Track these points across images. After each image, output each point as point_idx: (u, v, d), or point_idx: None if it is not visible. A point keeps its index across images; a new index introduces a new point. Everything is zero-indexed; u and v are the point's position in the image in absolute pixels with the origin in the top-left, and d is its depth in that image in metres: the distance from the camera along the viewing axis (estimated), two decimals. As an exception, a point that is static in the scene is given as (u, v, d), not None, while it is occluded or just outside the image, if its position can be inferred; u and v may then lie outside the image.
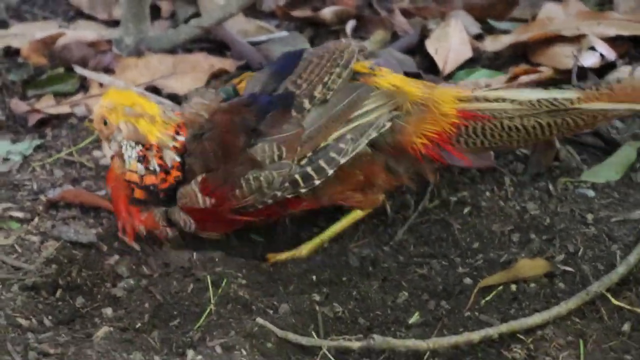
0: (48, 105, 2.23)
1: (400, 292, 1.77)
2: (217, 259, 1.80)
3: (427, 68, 2.34)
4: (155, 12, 2.55)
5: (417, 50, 2.42)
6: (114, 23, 2.57)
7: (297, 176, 1.71)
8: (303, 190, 1.73)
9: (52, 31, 2.47)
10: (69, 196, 1.95)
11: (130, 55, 2.36)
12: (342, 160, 1.73)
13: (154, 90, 2.24)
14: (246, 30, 2.48)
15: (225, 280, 1.74)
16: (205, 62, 2.28)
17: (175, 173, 1.77)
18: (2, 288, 1.74)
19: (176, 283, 1.76)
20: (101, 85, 2.24)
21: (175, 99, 2.20)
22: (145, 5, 2.36)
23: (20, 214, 1.94)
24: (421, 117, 1.81)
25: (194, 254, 1.81)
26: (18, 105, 2.26)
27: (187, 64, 2.28)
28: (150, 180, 1.77)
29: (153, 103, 1.80)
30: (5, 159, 2.11)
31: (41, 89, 2.32)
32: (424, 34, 2.43)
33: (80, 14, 2.66)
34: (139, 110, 1.77)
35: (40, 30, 2.50)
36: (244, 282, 1.76)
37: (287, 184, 1.72)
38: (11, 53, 2.46)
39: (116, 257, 1.81)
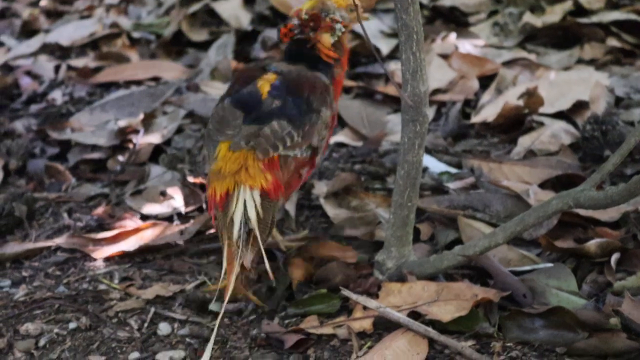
0: (312, 326, 2.24)
1: None
2: None
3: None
4: (415, 234, 2.55)
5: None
6: (373, 244, 2.60)
7: None
8: None
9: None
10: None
11: (391, 278, 2.37)
12: None
13: (416, 315, 2.22)
14: (509, 258, 2.45)
15: None
16: (469, 291, 2.25)
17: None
18: None
19: None
20: (365, 308, 2.24)
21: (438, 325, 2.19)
22: (410, 229, 2.37)
23: None
24: None
25: None
26: (271, 327, 2.28)
27: (450, 292, 2.25)
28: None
29: None
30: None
31: (302, 308, 2.35)
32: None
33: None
34: None
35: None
36: None
37: None
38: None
39: None
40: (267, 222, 2.25)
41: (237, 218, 2.23)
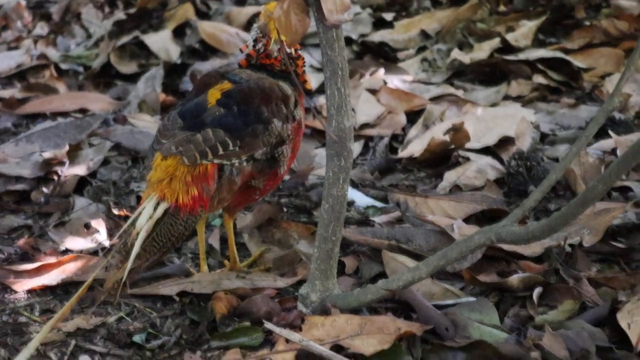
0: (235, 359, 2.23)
1: None
2: None
3: (619, 342, 2.25)
4: (340, 268, 2.55)
5: (607, 322, 2.33)
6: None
7: None
8: None
9: (238, 284, 2.51)
10: None
11: (315, 311, 2.36)
12: None
13: (339, 349, 2.21)
14: (432, 292, 2.46)
15: None
16: (392, 325, 2.25)
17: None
18: None
19: None
20: (287, 341, 2.23)
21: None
22: (334, 263, 2.37)
23: None
24: None
25: None
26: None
27: (374, 325, 2.25)
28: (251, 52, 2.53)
29: None
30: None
31: (225, 341, 2.33)
32: (614, 305, 2.35)
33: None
34: None
35: (227, 280, 2.55)
36: None
37: None
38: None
39: None
40: (162, 239, 2.33)
41: (127, 224, 2.33)
